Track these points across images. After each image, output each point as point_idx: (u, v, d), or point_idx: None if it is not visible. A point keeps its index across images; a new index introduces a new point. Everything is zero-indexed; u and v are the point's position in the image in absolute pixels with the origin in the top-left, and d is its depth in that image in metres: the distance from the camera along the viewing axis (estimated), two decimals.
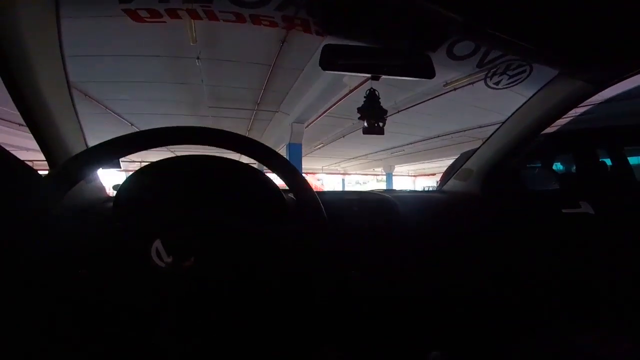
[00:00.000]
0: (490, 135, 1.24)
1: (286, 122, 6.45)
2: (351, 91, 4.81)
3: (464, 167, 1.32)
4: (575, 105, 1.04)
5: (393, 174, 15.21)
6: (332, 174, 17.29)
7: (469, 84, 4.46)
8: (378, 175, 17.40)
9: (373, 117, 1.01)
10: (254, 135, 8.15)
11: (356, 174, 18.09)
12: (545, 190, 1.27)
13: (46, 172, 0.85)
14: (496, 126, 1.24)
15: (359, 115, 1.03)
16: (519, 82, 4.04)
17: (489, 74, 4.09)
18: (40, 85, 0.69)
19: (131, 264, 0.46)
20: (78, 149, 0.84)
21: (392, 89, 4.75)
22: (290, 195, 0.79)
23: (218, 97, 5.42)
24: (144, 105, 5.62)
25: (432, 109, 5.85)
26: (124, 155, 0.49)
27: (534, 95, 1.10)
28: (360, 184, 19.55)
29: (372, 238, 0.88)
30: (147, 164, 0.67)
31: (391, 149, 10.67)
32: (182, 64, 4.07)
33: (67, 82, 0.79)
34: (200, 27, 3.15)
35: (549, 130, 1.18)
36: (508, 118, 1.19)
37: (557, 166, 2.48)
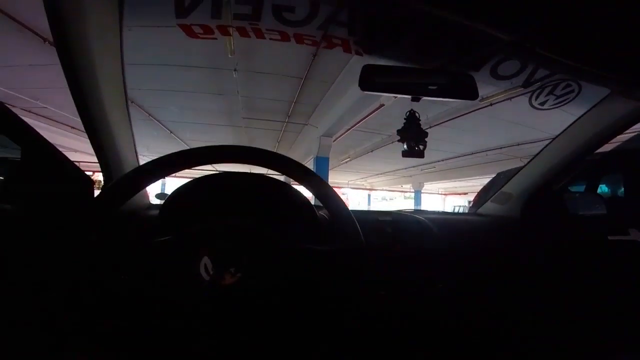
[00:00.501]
0: (533, 158, 1.18)
1: (315, 134, 6.54)
2: (381, 105, 4.79)
3: (502, 190, 1.26)
4: (630, 126, 0.97)
5: (422, 191, 14.77)
6: (358, 189, 17.14)
7: (507, 99, 4.25)
8: (405, 192, 16.98)
9: (413, 140, 0.98)
10: (283, 147, 8.34)
11: (383, 190, 17.79)
12: (590, 215, 1.20)
13: (90, 173, 0.91)
14: (537, 144, 1.17)
15: (398, 137, 1.01)
16: (567, 103, 3.81)
17: (534, 95, 3.90)
18: (102, 96, 0.73)
19: (178, 275, 0.47)
20: (129, 157, 0.90)
21: (423, 103, 4.65)
22: (321, 212, 0.79)
23: (252, 108, 5.64)
24: (183, 113, 5.99)
25: (467, 124, 5.66)
26: (175, 172, 0.52)
27: (582, 115, 1.02)
28: (386, 200, 19.18)
29: (404, 260, 0.87)
30: (194, 178, 0.71)
31: (421, 165, 10.40)
32: (220, 75, 4.29)
33: (125, 94, 0.84)
34: (237, 40, 3.31)
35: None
36: (553, 140, 1.11)
37: (602, 188, 2.30)
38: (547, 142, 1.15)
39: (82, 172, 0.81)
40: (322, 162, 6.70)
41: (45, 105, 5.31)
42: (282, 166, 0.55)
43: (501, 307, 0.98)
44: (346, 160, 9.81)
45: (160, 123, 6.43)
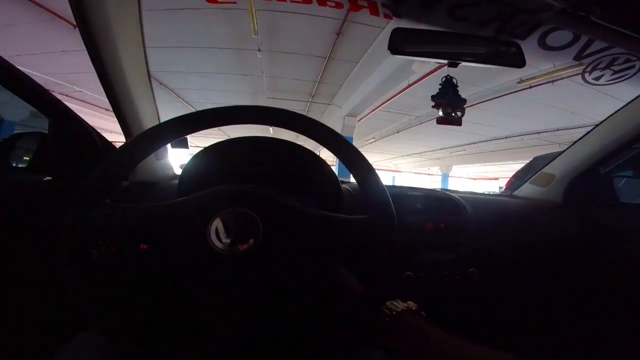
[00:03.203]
0: (580, 138, 1.07)
1: (338, 114, 6.43)
2: (410, 86, 4.57)
3: (543, 171, 1.16)
4: None
5: (450, 175, 14.23)
6: (382, 170, 16.83)
7: (548, 82, 3.90)
8: (432, 175, 16.45)
9: (450, 106, 0.92)
10: None
11: (409, 172, 17.34)
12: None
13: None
14: (579, 130, 1.06)
15: (433, 103, 0.94)
16: (626, 79, 3.37)
17: (588, 68, 3.48)
18: (124, 72, 0.75)
19: (189, 243, 0.44)
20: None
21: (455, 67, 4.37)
22: (345, 185, 0.77)
23: (276, 89, 5.62)
24: (210, 94, 6.09)
25: (502, 107, 5.30)
26: (190, 133, 0.49)
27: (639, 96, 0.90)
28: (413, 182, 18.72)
29: (434, 240, 0.82)
30: (211, 143, 0.68)
31: (450, 147, 9.97)
32: (244, 56, 4.28)
33: (147, 69, 0.84)
34: (260, 19, 3.25)
35: None
36: (604, 120, 1.00)
37: None
38: (590, 127, 1.04)
39: (108, 141, 0.84)
40: None
41: (81, 90, 5.62)
42: (306, 128, 0.50)
43: (540, 297, 0.92)
44: (371, 140, 9.60)
45: (189, 104, 6.60)
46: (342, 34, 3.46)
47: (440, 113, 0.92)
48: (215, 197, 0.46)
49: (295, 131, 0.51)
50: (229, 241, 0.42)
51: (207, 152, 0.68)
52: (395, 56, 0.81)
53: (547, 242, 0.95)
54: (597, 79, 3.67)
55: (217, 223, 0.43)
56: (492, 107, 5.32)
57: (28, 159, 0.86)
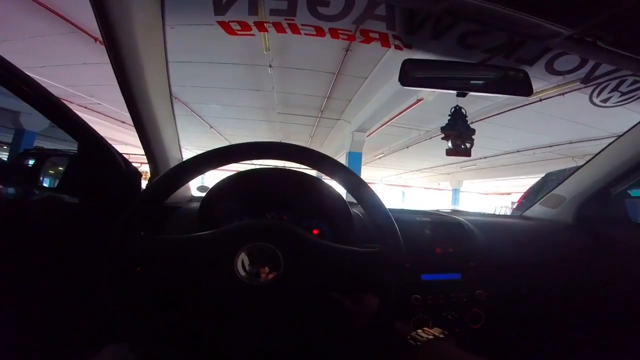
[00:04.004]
0: (590, 159, 1.07)
1: (347, 130, 6.48)
2: (419, 100, 4.60)
3: (553, 192, 1.17)
4: None
5: (461, 190, 14.04)
6: (392, 186, 16.72)
7: (559, 94, 3.88)
8: (443, 190, 16.25)
9: (459, 137, 0.94)
10: (316, 142, 8.37)
11: (419, 187, 17.18)
12: None
13: (138, 164, 0.96)
14: (593, 142, 1.06)
15: (442, 135, 0.96)
16: (633, 100, 3.35)
17: (596, 91, 3.47)
18: (149, 93, 0.77)
19: (218, 272, 0.48)
20: (174, 150, 0.94)
21: (464, 98, 4.40)
22: (354, 210, 0.79)
23: (286, 104, 5.72)
24: (222, 109, 6.24)
25: (512, 120, 5.26)
26: (218, 167, 0.53)
27: None
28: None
29: (442, 264, 0.83)
30: (234, 172, 0.73)
31: (461, 162, 9.88)
32: (256, 71, 4.40)
33: (170, 90, 0.87)
34: (272, 36, 3.36)
35: None
36: (615, 140, 0.99)
37: None
38: (604, 140, 1.04)
39: (132, 164, 0.86)
40: (355, 158, 6.62)
41: (99, 102, 5.83)
42: (314, 162, 0.53)
43: (551, 319, 0.90)
44: (380, 155, 9.60)
45: (202, 119, 6.77)
46: (350, 50, 3.54)
47: (450, 144, 0.94)
48: (241, 232, 0.51)
49: (320, 171, 0.55)
50: (253, 272, 0.47)
51: (226, 182, 0.73)
52: None
53: (559, 262, 0.94)
54: (605, 101, 3.66)
55: (243, 255, 0.48)
56: (502, 120, 5.29)
57: (54, 175, 0.90)
